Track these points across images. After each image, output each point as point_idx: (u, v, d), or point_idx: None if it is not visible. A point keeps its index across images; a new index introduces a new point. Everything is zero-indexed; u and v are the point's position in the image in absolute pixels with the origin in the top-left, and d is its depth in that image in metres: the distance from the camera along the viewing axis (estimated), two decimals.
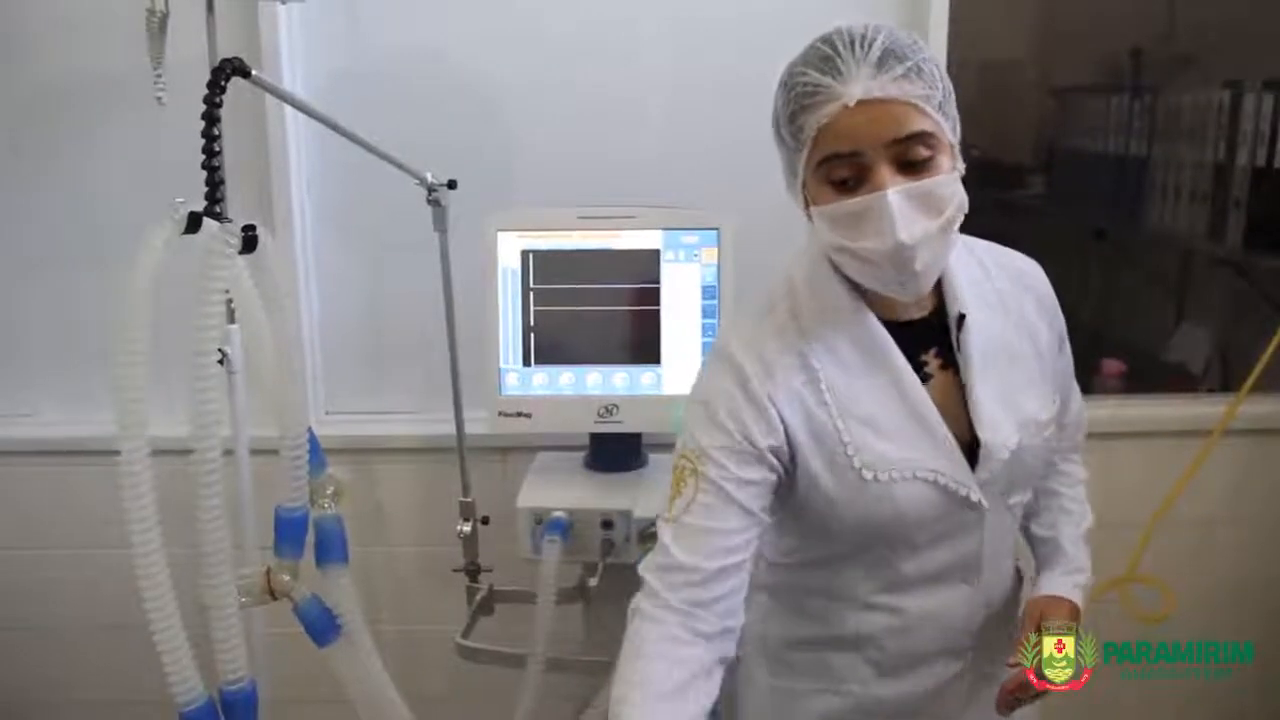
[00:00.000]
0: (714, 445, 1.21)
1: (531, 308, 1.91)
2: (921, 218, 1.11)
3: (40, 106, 2.18)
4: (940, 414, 1.24)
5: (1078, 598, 1.38)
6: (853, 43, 1.12)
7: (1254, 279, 2.55)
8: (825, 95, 1.11)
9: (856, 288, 1.24)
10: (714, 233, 1.87)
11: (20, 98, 2.18)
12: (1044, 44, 3.11)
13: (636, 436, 2.01)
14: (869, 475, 1.22)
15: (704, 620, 1.17)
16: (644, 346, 1.91)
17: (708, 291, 1.88)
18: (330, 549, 1.62)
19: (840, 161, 1.13)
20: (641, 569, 1.23)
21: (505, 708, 1.92)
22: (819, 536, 1.31)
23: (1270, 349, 2.18)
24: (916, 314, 1.27)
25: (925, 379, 1.26)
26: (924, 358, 1.27)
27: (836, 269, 1.24)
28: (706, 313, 1.89)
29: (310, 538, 1.60)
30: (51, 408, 2.34)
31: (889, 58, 1.10)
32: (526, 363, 1.92)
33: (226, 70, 1.34)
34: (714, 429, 1.22)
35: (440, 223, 1.95)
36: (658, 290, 1.89)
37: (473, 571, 2.11)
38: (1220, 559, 2.37)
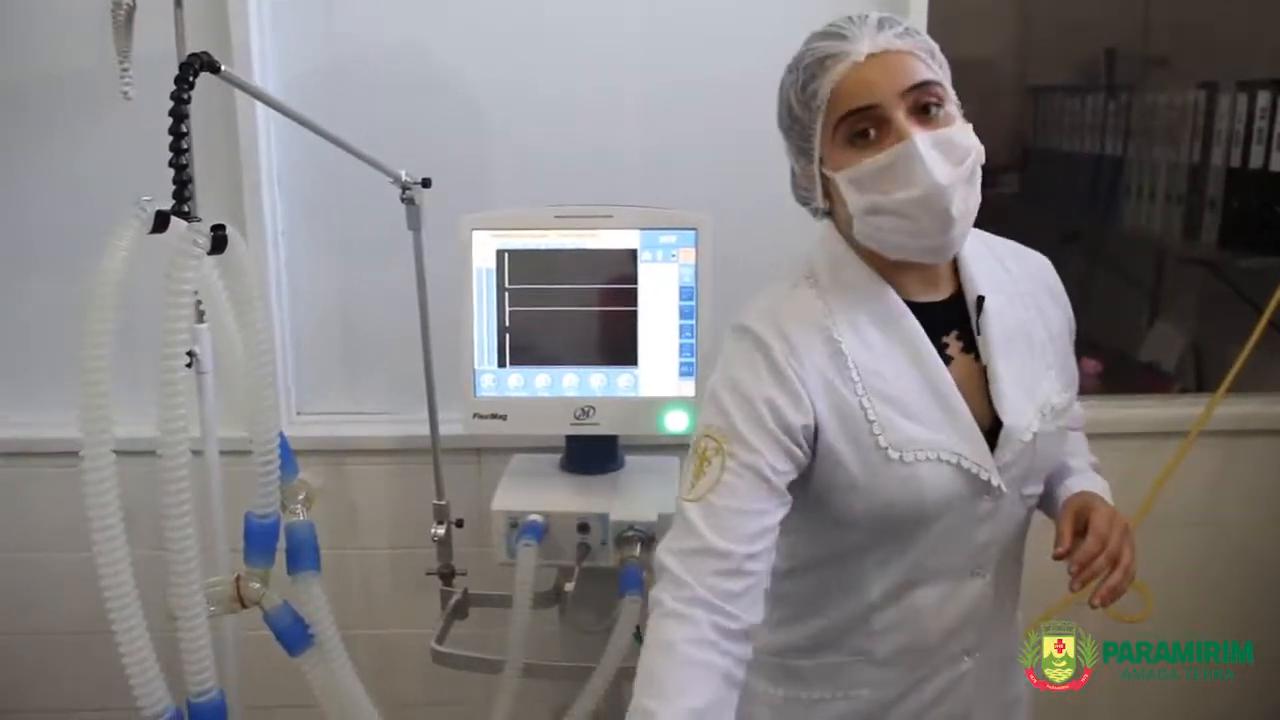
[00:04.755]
0: (745, 425, 1.20)
1: (507, 308, 1.88)
2: (949, 164, 1.16)
3: (2, 104, 2.14)
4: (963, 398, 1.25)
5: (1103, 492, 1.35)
6: (851, 18, 1.21)
7: (1230, 279, 2.56)
8: (836, 57, 1.18)
9: (876, 270, 1.27)
10: (692, 233, 1.85)
11: None
12: (1019, 43, 3.11)
13: (613, 439, 1.99)
14: (895, 455, 1.22)
15: (732, 617, 1.13)
16: (621, 348, 1.88)
17: (685, 292, 1.86)
18: (302, 556, 1.59)
19: (858, 117, 1.17)
20: (662, 553, 1.18)
21: (480, 713, 1.89)
22: (834, 527, 1.29)
23: (1247, 349, 2.18)
24: (934, 297, 1.29)
25: (946, 361, 1.27)
26: (945, 339, 1.28)
27: (856, 250, 1.27)
28: (684, 314, 1.86)
29: (281, 544, 1.58)
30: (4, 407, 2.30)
31: (886, 22, 1.19)
32: (502, 364, 1.90)
33: (195, 65, 1.30)
34: (744, 407, 1.21)
35: (414, 221, 1.93)
36: (635, 291, 1.87)
37: (447, 575, 2.08)
38: (1196, 561, 2.37)
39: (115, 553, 1.20)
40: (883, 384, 1.24)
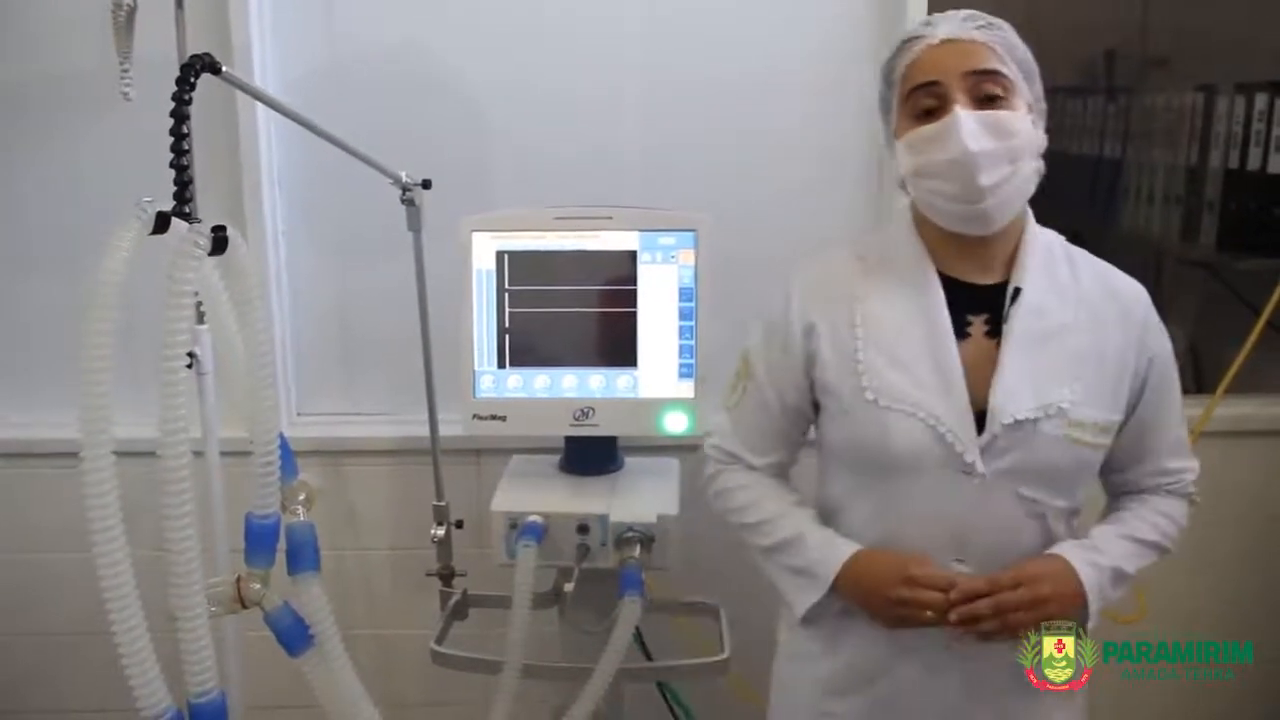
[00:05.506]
0: (758, 355, 1.50)
1: (506, 309, 1.88)
2: (989, 138, 1.27)
3: (3, 105, 2.14)
4: (966, 374, 1.34)
5: (1084, 567, 1.36)
6: (945, 13, 1.36)
7: (1228, 280, 2.56)
8: (916, 39, 1.35)
9: (934, 243, 1.40)
10: (691, 234, 1.85)
11: None
12: None
13: (612, 440, 1.99)
14: (870, 397, 1.36)
15: (767, 473, 1.53)
16: (620, 349, 1.88)
17: (685, 293, 1.86)
18: (302, 557, 1.58)
19: (923, 91, 1.32)
20: (707, 445, 1.58)
21: (480, 714, 1.89)
22: (828, 469, 1.50)
23: (1245, 350, 2.19)
24: (982, 280, 1.39)
25: (963, 337, 1.37)
26: (970, 318, 1.38)
27: (921, 225, 1.42)
28: (684, 315, 1.87)
29: (281, 545, 1.57)
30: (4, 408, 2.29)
31: (975, 15, 1.34)
32: (501, 365, 1.90)
33: (196, 66, 1.30)
34: (761, 341, 1.50)
35: (414, 223, 1.93)
36: (634, 292, 1.87)
37: (446, 576, 2.08)
38: (1195, 561, 2.37)
39: (115, 554, 1.20)
40: (883, 335, 1.38)
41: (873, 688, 1.46)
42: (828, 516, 1.49)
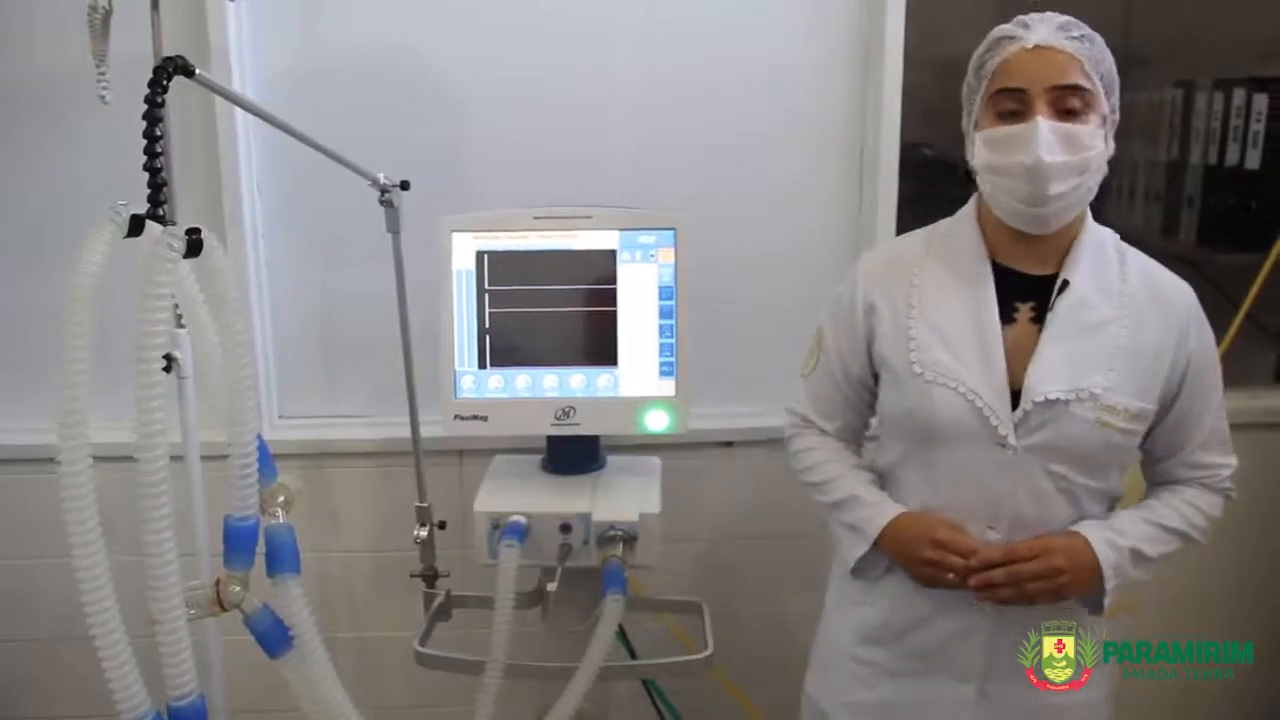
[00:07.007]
0: (828, 330, 1.64)
1: (487, 309, 1.88)
2: (1062, 151, 1.36)
3: None
4: (1008, 356, 1.45)
5: (1100, 544, 1.45)
6: (1043, 15, 1.41)
7: (1208, 275, 2.58)
8: (1010, 40, 1.41)
9: (995, 235, 1.50)
10: (671, 233, 1.86)
11: None
12: None
13: (594, 439, 1.99)
14: (918, 370, 1.49)
15: (836, 437, 1.67)
16: (601, 348, 1.88)
17: (665, 292, 1.87)
18: (281, 559, 1.58)
19: (1008, 95, 1.40)
20: (786, 412, 1.72)
21: (465, 715, 1.89)
22: (885, 437, 1.61)
23: (1225, 343, 2.20)
24: (1037, 271, 1.48)
25: (1009, 321, 1.47)
26: (1018, 305, 1.48)
27: (984, 220, 1.52)
28: (664, 313, 1.87)
29: (261, 547, 1.57)
30: None
31: (1070, 25, 1.40)
32: (482, 365, 1.89)
33: (169, 69, 1.30)
34: (832, 317, 1.64)
35: (393, 224, 1.93)
36: (614, 291, 1.87)
37: (429, 577, 2.08)
38: (1193, 560, 2.37)
39: (93, 557, 1.20)
40: (935, 315, 1.50)
41: (902, 642, 1.58)
42: (883, 481, 1.62)
